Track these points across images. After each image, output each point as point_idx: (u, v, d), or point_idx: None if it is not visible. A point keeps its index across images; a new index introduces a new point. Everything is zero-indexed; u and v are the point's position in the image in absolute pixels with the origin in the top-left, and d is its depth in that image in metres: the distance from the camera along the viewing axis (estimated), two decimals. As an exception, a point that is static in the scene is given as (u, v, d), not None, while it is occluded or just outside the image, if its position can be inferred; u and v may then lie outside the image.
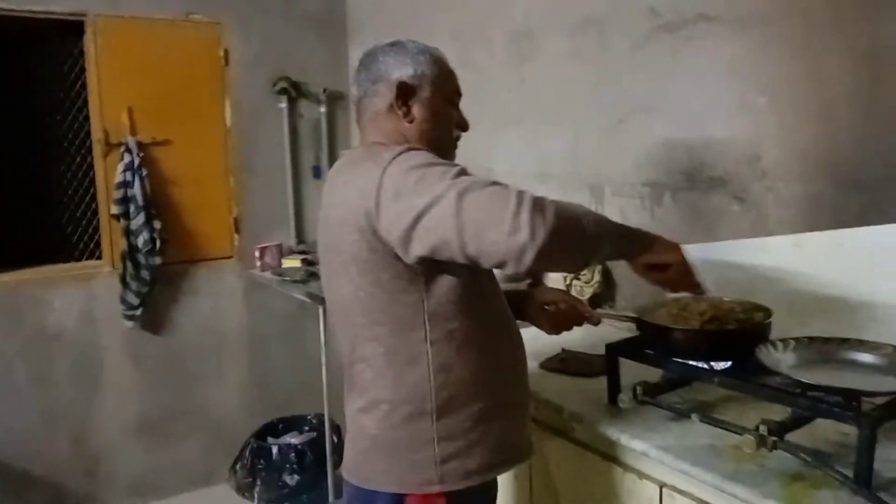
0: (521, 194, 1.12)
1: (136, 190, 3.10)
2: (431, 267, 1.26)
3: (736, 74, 1.85)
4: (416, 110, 1.39)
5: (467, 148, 1.51)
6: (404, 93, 1.38)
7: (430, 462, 1.31)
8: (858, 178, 1.61)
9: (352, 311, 1.35)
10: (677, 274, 1.38)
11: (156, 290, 3.25)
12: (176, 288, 3.38)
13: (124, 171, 3.11)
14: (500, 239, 1.11)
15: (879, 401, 1.24)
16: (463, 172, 1.19)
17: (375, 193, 1.21)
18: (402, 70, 1.39)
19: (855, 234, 1.61)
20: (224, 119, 3.44)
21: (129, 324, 3.23)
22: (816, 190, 1.70)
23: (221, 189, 3.46)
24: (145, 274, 3.17)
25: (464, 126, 1.48)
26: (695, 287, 1.42)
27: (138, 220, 3.10)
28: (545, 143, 2.49)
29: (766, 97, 1.78)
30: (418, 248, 1.19)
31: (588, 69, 2.29)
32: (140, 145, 3.16)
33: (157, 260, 3.16)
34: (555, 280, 2.29)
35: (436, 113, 1.41)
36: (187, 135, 3.33)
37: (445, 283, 1.29)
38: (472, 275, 1.32)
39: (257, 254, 3.37)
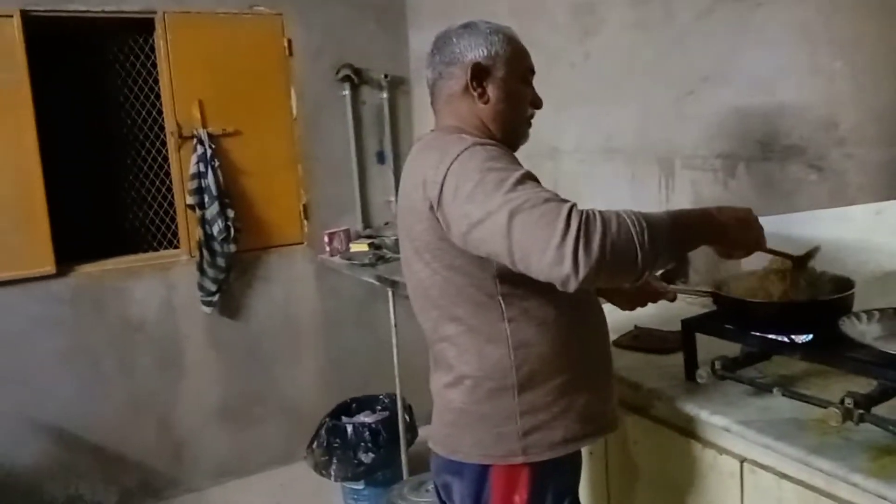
0: (568, 221, 1.10)
1: (210, 180, 3.20)
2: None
3: (808, 38, 1.78)
4: (491, 91, 1.40)
5: (533, 127, 1.51)
6: (479, 74, 1.39)
7: (514, 434, 1.35)
8: (944, 141, 1.55)
9: (430, 294, 1.39)
10: (755, 248, 1.36)
11: (231, 276, 3.36)
12: (250, 274, 3.48)
13: (197, 162, 3.22)
14: (545, 267, 1.12)
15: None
16: (521, 181, 1.18)
17: (439, 190, 1.24)
18: (476, 51, 1.40)
19: (942, 199, 1.55)
20: (290, 108, 3.51)
21: (208, 310, 3.34)
22: (899, 155, 1.63)
23: (290, 177, 3.54)
24: (221, 261, 3.27)
25: (538, 104, 1.49)
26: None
27: (213, 210, 3.21)
28: (612, 118, 2.46)
29: (840, 60, 1.72)
30: (475, 251, 1.24)
31: (653, 40, 2.25)
32: (211, 137, 3.25)
33: (232, 247, 3.26)
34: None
35: (510, 93, 1.42)
36: (255, 125, 3.41)
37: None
38: None
39: (326, 239, 3.44)
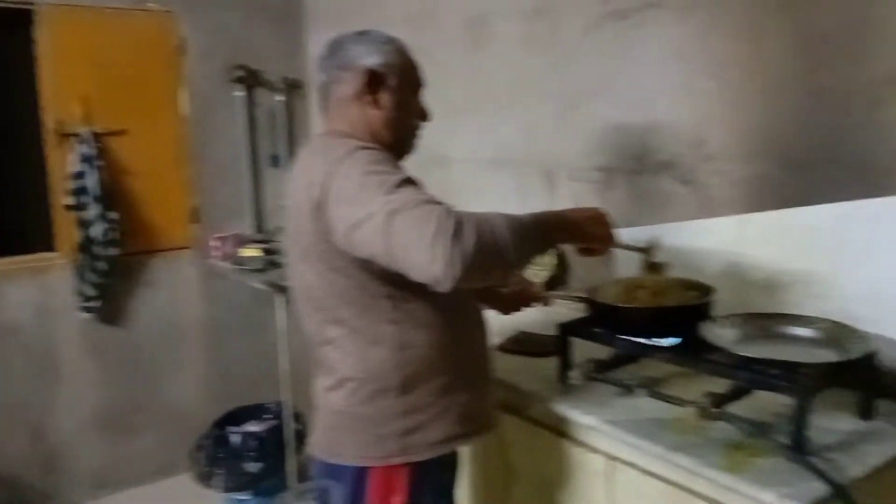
0: (440, 222, 1.13)
1: (91, 180, 3.06)
2: None
3: (683, 59, 1.89)
4: (383, 99, 1.42)
5: (425, 136, 1.54)
6: (372, 81, 1.41)
7: (394, 435, 1.37)
8: (800, 160, 1.67)
9: (315, 296, 1.39)
10: (605, 242, 1.44)
11: (113, 281, 3.21)
12: (133, 279, 3.34)
13: (78, 161, 3.07)
14: (421, 266, 1.15)
15: (814, 372, 1.29)
16: (401, 184, 1.21)
17: (321, 192, 1.25)
18: (370, 58, 1.41)
19: (796, 213, 1.68)
20: (180, 108, 3.41)
21: (86, 316, 3.19)
22: (760, 171, 1.75)
23: (178, 179, 3.43)
24: (102, 265, 3.13)
25: (426, 116, 1.52)
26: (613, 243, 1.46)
27: (94, 211, 3.06)
28: (501, 130, 2.52)
29: (712, 81, 1.83)
30: (357, 253, 1.25)
31: (541, 55, 2.32)
32: (95, 135, 3.11)
33: (114, 251, 3.13)
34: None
35: (401, 102, 1.45)
36: (143, 125, 3.29)
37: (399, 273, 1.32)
38: None
39: (215, 243, 3.35)
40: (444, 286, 1.15)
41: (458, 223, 1.14)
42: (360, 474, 1.38)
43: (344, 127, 1.42)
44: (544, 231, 1.32)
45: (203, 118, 3.44)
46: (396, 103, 1.44)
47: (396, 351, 1.35)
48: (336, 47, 1.45)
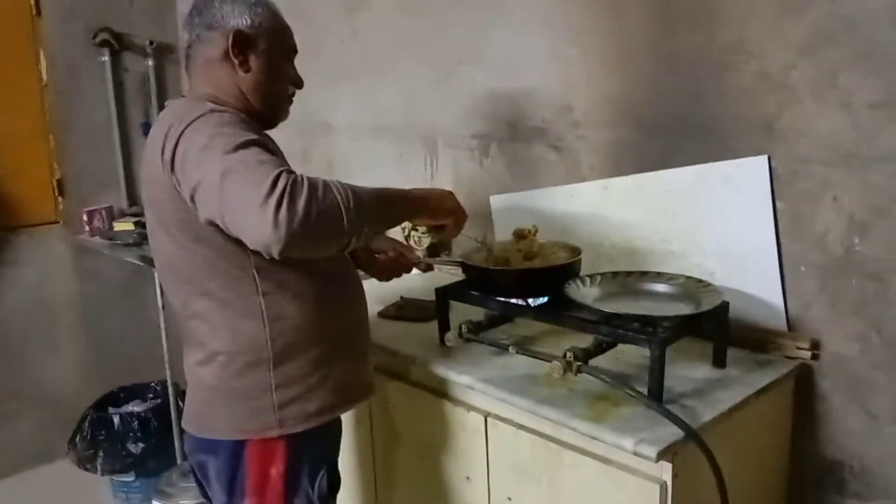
0: (275, 183, 1.09)
1: (-60, 152, 2.83)
2: None
3: (549, 25, 1.94)
4: (253, 62, 1.38)
5: (306, 102, 1.52)
6: (241, 42, 1.36)
7: (269, 408, 1.35)
8: (657, 124, 1.76)
9: (179, 269, 1.35)
10: (456, 226, 1.48)
11: (-29, 260, 3.01)
12: (-5, 258, 3.14)
13: (-77, 132, 2.83)
14: (248, 229, 1.12)
15: (669, 324, 1.39)
16: (243, 146, 1.16)
17: (171, 156, 1.21)
18: (239, 19, 1.37)
19: (654, 176, 1.77)
20: (39, 74, 3.19)
21: (-57, 299, 2.98)
22: (621, 136, 1.83)
23: (40, 150, 3.21)
24: (-42, 244, 2.92)
25: (298, 83, 1.49)
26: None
27: (-56, 186, 2.85)
28: (380, 97, 2.51)
29: (576, 48, 1.89)
30: (202, 217, 1.20)
31: (416, 21, 2.32)
32: (-59, 104, 2.88)
33: (-29, 228, 2.93)
34: (393, 230, 2.34)
35: (272, 66, 1.41)
36: (-2, 92, 3.07)
37: None
38: None
39: (85, 218, 3.18)
40: (274, 252, 1.11)
41: (292, 184, 1.10)
42: (236, 448, 1.37)
43: (209, 90, 1.38)
44: (386, 204, 1.30)
45: (66, 85, 3.23)
46: (266, 67, 1.39)
47: (268, 323, 1.33)
48: (203, 6, 1.39)
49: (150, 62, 3.42)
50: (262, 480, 1.37)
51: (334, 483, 1.49)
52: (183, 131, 1.21)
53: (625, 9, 1.78)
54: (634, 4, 1.76)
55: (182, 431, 2.91)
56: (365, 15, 2.51)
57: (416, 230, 2.37)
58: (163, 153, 1.23)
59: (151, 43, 3.39)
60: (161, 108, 3.38)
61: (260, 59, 1.39)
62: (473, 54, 2.15)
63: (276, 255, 1.12)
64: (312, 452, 1.42)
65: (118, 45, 3.31)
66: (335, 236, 1.17)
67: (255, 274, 1.32)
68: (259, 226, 1.09)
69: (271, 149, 1.25)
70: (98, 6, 3.26)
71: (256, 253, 1.27)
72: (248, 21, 1.37)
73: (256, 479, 1.37)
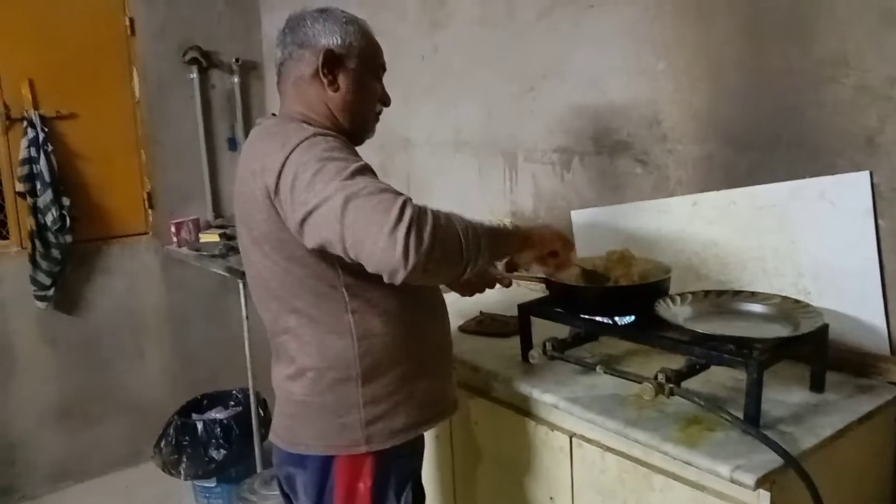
0: (402, 211, 1.12)
1: (42, 166, 2.99)
2: None
3: (634, 40, 1.91)
4: (342, 80, 1.39)
5: (385, 117, 1.53)
6: (331, 61, 1.37)
7: (357, 425, 1.36)
8: (746, 139, 1.70)
9: (270, 285, 1.37)
10: (566, 250, 1.51)
11: (68, 269, 3.15)
12: (89, 266, 3.29)
13: (28, 146, 3.00)
14: (375, 254, 1.13)
15: (765, 347, 1.34)
16: (359, 172, 1.19)
17: (276, 179, 1.22)
18: (330, 38, 1.38)
19: (745, 192, 1.71)
20: (132, 90, 3.34)
21: (42, 305, 3.13)
22: (710, 151, 1.78)
23: (132, 163, 3.37)
24: (56, 253, 3.07)
25: (386, 101, 1.49)
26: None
27: (46, 198, 3.00)
28: (460, 111, 2.52)
29: (663, 62, 1.85)
30: (310, 241, 1.22)
31: (497, 36, 2.32)
32: (44, 119, 3.04)
33: (68, 238, 3.07)
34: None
35: (361, 85, 1.42)
36: (94, 108, 3.22)
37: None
38: None
39: (173, 229, 3.31)
40: (398, 278, 1.14)
41: (419, 214, 1.14)
42: (325, 462, 1.38)
43: (300, 108, 1.40)
44: (497, 238, 1.33)
45: (157, 101, 3.38)
46: (355, 87, 1.41)
47: (356, 340, 1.34)
48: (295, 23, 1.41)
49: (236, 79, 3.54)
50: (350, 495, 1.39)
51: (419, 498, 1.49)
52: (289, 155, 1.22)
53: (713, 21, 1.74)
54: (723, 16, 1.71)
55: (263, 439, 3.01)
56: (446, 30, 2.53)
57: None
58: (263, 174, 1.25)
59: (237, 60, 3.51)
60: (247, 123, 3.55)
61: (349, 79, 1.40)
62: (556, 68, 2.14)
63: (397, 281, 1.15)
64: (399, 468, 1.43)
65: (206, 62, 3.44)
66: (455, 265, 1.21)
67: (345, 292, 1.33)
68: (386, 251, 1.12)
69: (375, 175, 1.27)
70: (188, 25, 3.40)
71: (347, 272, 1.31)
72: (339, 40, 1.38)
73: (345, 493, 1.39)
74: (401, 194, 1.17)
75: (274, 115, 1.47)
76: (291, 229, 1.24)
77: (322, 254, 1.27)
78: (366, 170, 1.22)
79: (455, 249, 1.18)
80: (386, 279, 1.16)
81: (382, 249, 1.12)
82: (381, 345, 1.36)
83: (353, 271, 1.30)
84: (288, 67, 1.41)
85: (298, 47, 1.39)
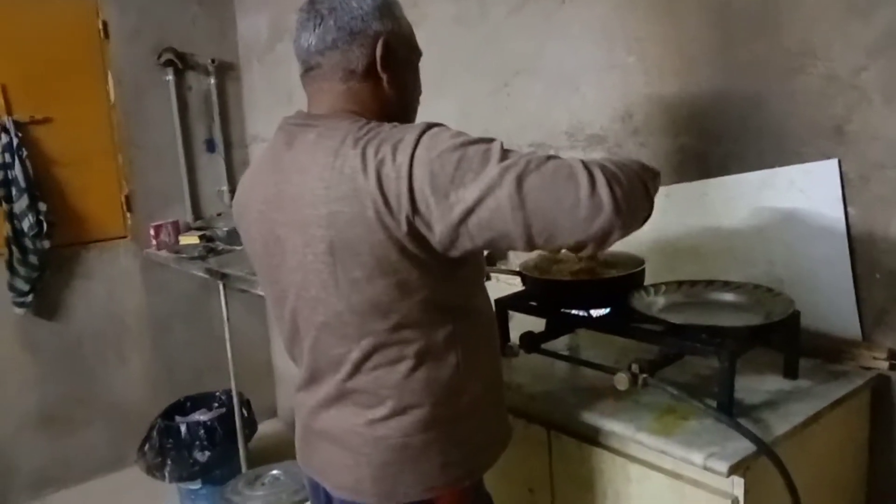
0: (589, 172, 0.99)
1: (17, 171, 2.96)
2: (456, 263, 1.13)
3: (606, 35, 1.92)
4: (398, 73, 1.19)
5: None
6: (389, 53, 1.16)
7: (461, 460, 1.23)
8: (718, 131, 1.72)
9: (367, 317, 1.14)
10: None
11: (46, 274, 3.12)
12: (68, 271, 3.26)
13: (2, 152, 2.97)
14: (578, 226, 1.00)
15: (738, 335, 1.35)
16: (506, 148, 1.05)
17: (407, 186, 1.02)
18: (382, 23, 1.16)
19: (717, 182, 1.73)
20: (107, 94, 3.31)
21: (20, 311, 3.10)
22: (683, 143, 1.80)
23: (109, 167, 3.34)
24: (34, 258, 3.04)
25: (420, 90, 1.30)
26: None
27: (21, 203, 2.97)
28: (436, 109, 2.49)
29: (634, 56, 1.87)
30: (468, 244, 1.05)
31: (471, 34, 2.33)
32: (17, 125, 3.01)
33: (46, 243, 3.04)
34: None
35: (413, 74, 1.25)
36: (69, 112, 3.19)
37: (463, 277, 1.20)
38: (479, 264, 1.26)
39: (152, 232, 3.29)
40: (613, 238, 1.02)
41: (602, 166, 1.01)
42: None
43: (351, 107, 1.17)
44: (654, 176, 1.18)
45: (132, 104, 3.35)
46: (412, 78, 1.24)
47: (463, 370, 1.20)
48: (336, 2, 1.16)
49: (213, 80, 3.52)
50: None
51: None
52: (412, 156, 1.03)
53: (684, 16, 1.75)
54: (693, 10, 1.73)
55: (247, 440, 3.00)
56: (421, 30, 2.51)
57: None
58: (379, 186, 1.04)
59: (213, 61, 3.50)
60: (224, 125, 3.53)
61: (402, 70, 1.20)
62: (529, 65, 2.15)
63: (609, 244, 1.03)
64: (482, 490, 1.36)
65: (181, 64, 3.42)
66: (648, 210, 1.11)
67: (453, 313, 1.18)
68: (594, 216, 0.99)
69: None
70: (162, 27, 3.38)
71: (452, 296, 1.18)
72: (391, 25, 1.17)
73: None
74: (560, 156, 1.04)
75: (308, 114, 1.22)
76: (440, 237, 1.05)
77: (434, 278, 1.12)
78: (503, 145, 1.06)
79: (645, 193, 1.08)
80: (592, 249, 1.06)
81: (586, 218, 0.99)
82: (481, 372, 1.25)
83: (458, 297, 1.19)
84: (331, 59, 1.16)
85: (349, 35, 1.15)
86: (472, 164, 1.01)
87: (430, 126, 1.07)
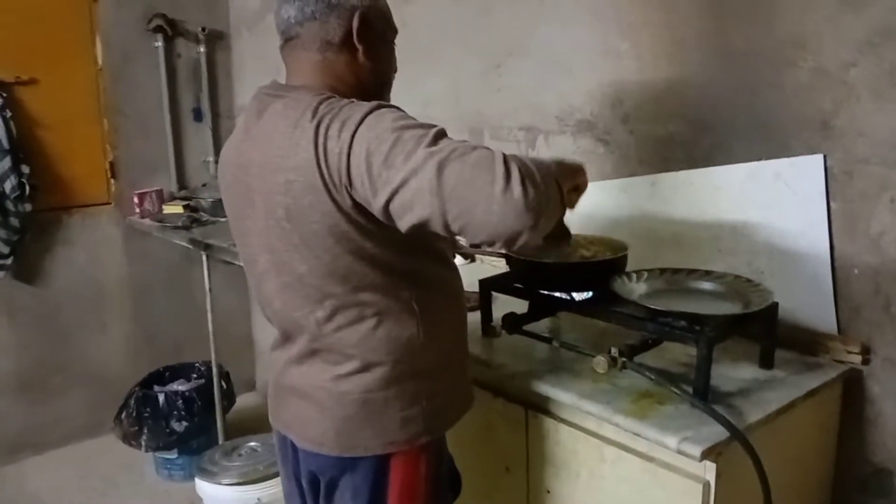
0: (507, 166, 0.99)
1: (0, 133, 2.92)
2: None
3: (599, 19, 1.92)
4: (373, 47, 1.24)
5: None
6: (365, 26, 1.22)
7: (419, 416, 1.28)
8: (707, 120, 1.73)
9: (326, 280, 1.20)
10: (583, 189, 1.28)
11: (27, 238, 3.09)
12: (50, 236, 3.23)
13: (-15, 111, 2.92)
14: (490, 221, 0.99)
15: (716, 323, 1.37)
16: (441, 135, 1.06)
17: (346, 161, 1.07)
18: None
19: (703, 173, 1.74)
20: (95, 58, 3.26)
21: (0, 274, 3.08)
22: (672, 131, 1.81)
23: (95, 132, 3.30)
24: (14, 221, 3.00)
25: (395, 69, 1.35)
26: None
27: (4, 165, 2.92)
28: (428, 86, 2.51)
29: (627, 42, 1.87)
30: (400, 224, 1.07)
31: (464, 12, 2.32)
32: (2, 85, 2.96)
33: (27, 207, 3.00)
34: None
35: (388, 52, 1.30)
36: (56, 74, 3.14)
37: (423, 242, 1.23)
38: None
39: (136, 200, 3.25)
40: (521, 241, 1.01)
41: (521, 164, 1.00)
42: (380, 461, 1.29)
43: (327, 79, 1.22)
44: (569, 175, 1.17)
45: (120, 69, 3.31)
46: (386, 52, 1.29)
47: (423, 329, 1.25)
48: None
49: (202, 48, 3.48)
50: (408, 490, 1.31)
51: (456, 476, 1.48)
52: (354, 133, 1.07)
53: (677, 2, 1.75)
54: (688, -2, 1.73)
55: (225, 412, 3.00)
56: (415, 6, 2.51)
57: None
58: (327, 159, 1.09)
59: (203, 29, 3.45)
60: (213, 93, 3.49)
61: (378, 44, 1.25)
62: (522, 46, 2.14)
63: (517, 245, 1.02)
64: (444, 452, 1.40)
65: (171, 30, 3.37)
66: (558, 212, 1.10)
67: (411, 281, 1.24)
68: (504, 214, 0.98)
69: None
70: (153, -8, 3.33)
71: (410, 260, 1.22)
72: (368, 1, 1.23)
73: (400, 488, 1.30)
74: (491, 148, 1.04)
75: (280, 84, 1.28)
76: (377, 215, 1.09)
77: (390, 244, 1.18)
78: (444, 133, 1.08)
79: (556, 194, 1.06)
80: (501, 246, 1.04)
81: (499, 213, 0.98)
82: (442, 333, 1.30)
83: (417, 259, 1.24)
84: (309, 30, 1.22)
85: (326, 6, 1.21)
86: (405, 147, 1.03)
87: (379, 106, 1.10)
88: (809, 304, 1.60)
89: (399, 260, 1.21)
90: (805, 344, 1.60)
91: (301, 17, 1.22)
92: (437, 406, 1.30)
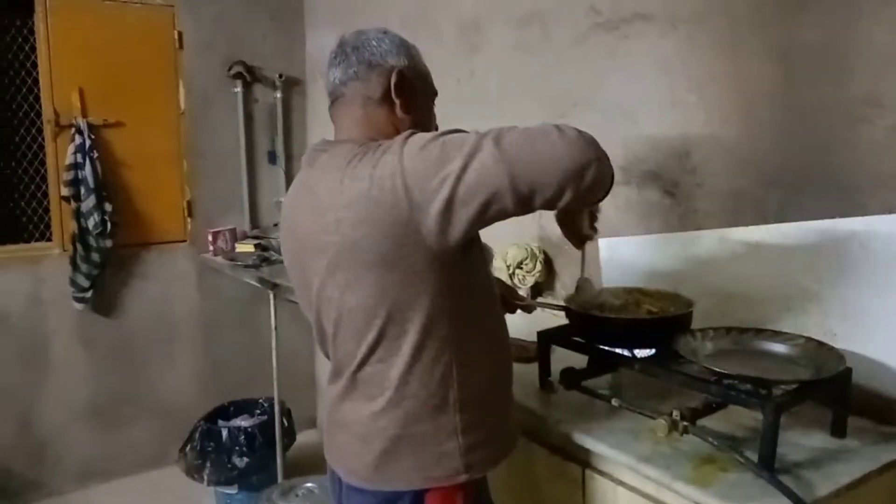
0: (555, 125, 1.13)
1: (87, 172, 3.09)
2: (457, 259, 1.21)
3: (668, 72, 1.91)
4: (412, 101, 1.33)
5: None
6: (403, 82, 1.31)
7: (456, 452, 1.29)
8: (777, 175, 1.69)
9: (371, 313, 1.24)
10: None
11: (106, 272, 3.24)
12: (127, 271, 3.37)
13: (75, 152, 3.10)
14: (557, 162, 1.11)
15: (785, 389, 1.32)
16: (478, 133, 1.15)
17: (401, 181, 1.13)
18: (398, 58, 1.32)
19: (774, 229, 1.69)
20: (178, 102, 3.43)
21: (80, 306, 3.22)
22: (739, 186, 1.77)
23: (174, 172, 3.46)
24: (96, 256, 3.16)
25: (436, 126, 1.44)
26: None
27: (89, 202, 3.09)
28: (493, 134, 2.54)
29: (695, 95, 1.85)
30: (464, 216, 1.12)
31: (532, 62, 2.34)
32: (91, 127, 3.14)
33: (108, 242, 3.15)
34: (498, 269, 2.35)
35: (426, 108, 1.39)
36: (140, 117, 3.32)
37: (464, 277, 1.26)
38: (482, 268, 1.34)
39: (210, 238, 3.38)
40: (590, 173, 1.12)
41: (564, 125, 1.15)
42: (416, 498, 1.29)
43: (369, 132, 1.29)
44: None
45: (200, 113, 3.46)
46: (424, 109, 1.37)
47: (458, 366, 1.27)
48: (360, 42, 1.32)
49: (279, 94, 3.61)
50: None
51: None
52: (401, 155, 1.14)
53: (746, 57, 1.73)
54: (757, 52, 1.70)
55: (285, 449, 3.04)
56: (483, 55, 2.55)
57: (521, 268, 2.38)
58: (380, 188, 1.14)
59: (280, 76, 3.59)
60: (287, 138, 3.61)
61: (417, 101, 1.34)
62: (588, 96, 2.14)
63: (588, 181, 1.13)
64: (484, 494, 1.39)
65: (250, 77, 3.53)
66: (609, 175, 1.22)
67: (449, 317, 1.25)
68: (569, 152, 1.12)
69: None
70: (234, 40, 3.49)
71: (451, 296, 1.24)
72: (406, 61, 1.33)
73: None
74: None
75: (328, 140, 1.35)
76: (432, 226, 1.13)
77: (435, 274, 1.20)
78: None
79: (605, 156, 1.19)
80: (570, 192, 1.13)
81: (564, 150, 1.11)
82: (478, 370, 1.31)
83: (458, 294, 1.25)
84: (353, 89, 1.32)
85: (367, 67, 1.31)
86: (454, 144, 1.12)
87: (411, 134, 1.19)
88: (885, 370, 1.52)
89: (441, 292, 1.23)
90: (880, 411, 1.52)
91: (345, 77, 1.32)
92: (472, 443, 1.30)
